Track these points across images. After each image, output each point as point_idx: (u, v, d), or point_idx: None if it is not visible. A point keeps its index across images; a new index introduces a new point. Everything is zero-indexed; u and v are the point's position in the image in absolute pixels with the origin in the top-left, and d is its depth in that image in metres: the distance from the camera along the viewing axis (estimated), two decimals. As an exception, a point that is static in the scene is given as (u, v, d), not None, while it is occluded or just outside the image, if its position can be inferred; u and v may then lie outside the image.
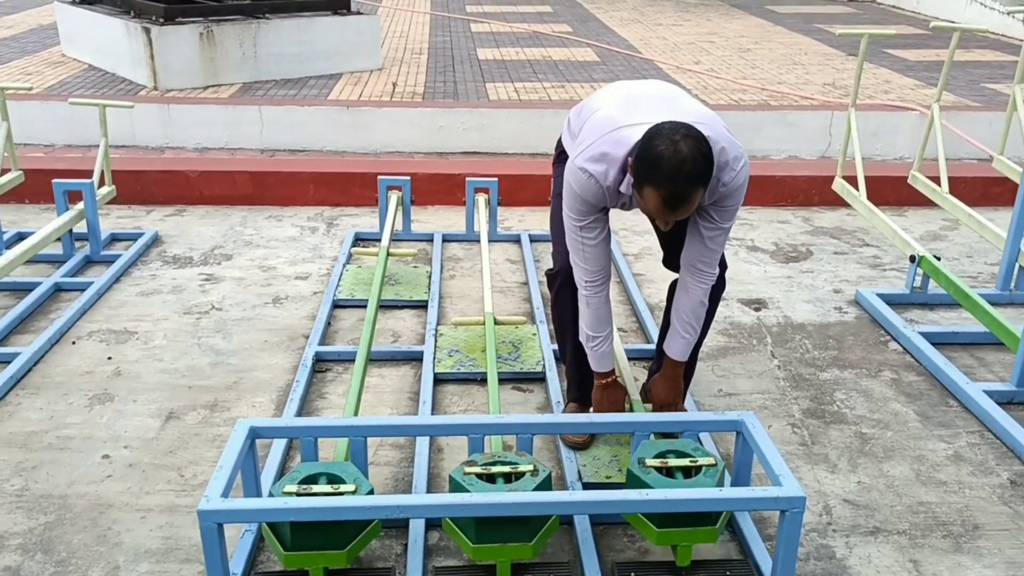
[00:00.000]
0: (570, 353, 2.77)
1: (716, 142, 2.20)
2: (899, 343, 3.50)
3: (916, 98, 6.42)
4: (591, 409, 2.73)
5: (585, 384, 2.76)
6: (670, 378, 2.64)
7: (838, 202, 4.74)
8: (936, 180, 4.27)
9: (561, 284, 2.64)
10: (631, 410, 2.72)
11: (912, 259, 3.77)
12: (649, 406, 2.73)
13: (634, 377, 2.97)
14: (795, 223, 4.87)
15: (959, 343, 3.50)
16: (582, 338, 2.58)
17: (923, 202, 4.63)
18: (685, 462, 2.23)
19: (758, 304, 3.84)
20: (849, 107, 4.44)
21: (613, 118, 2.30)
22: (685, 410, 2.76)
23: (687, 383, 2.81)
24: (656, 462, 2.21)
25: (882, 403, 3.08)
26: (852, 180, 4.42)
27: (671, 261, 2.69)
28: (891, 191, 4.99)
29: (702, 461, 2.23)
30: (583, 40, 8.91)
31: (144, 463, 2.66)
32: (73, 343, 3.37)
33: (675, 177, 2.06)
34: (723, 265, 2.60)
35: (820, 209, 5.07)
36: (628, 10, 11.22)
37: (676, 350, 2.58)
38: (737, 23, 10.30)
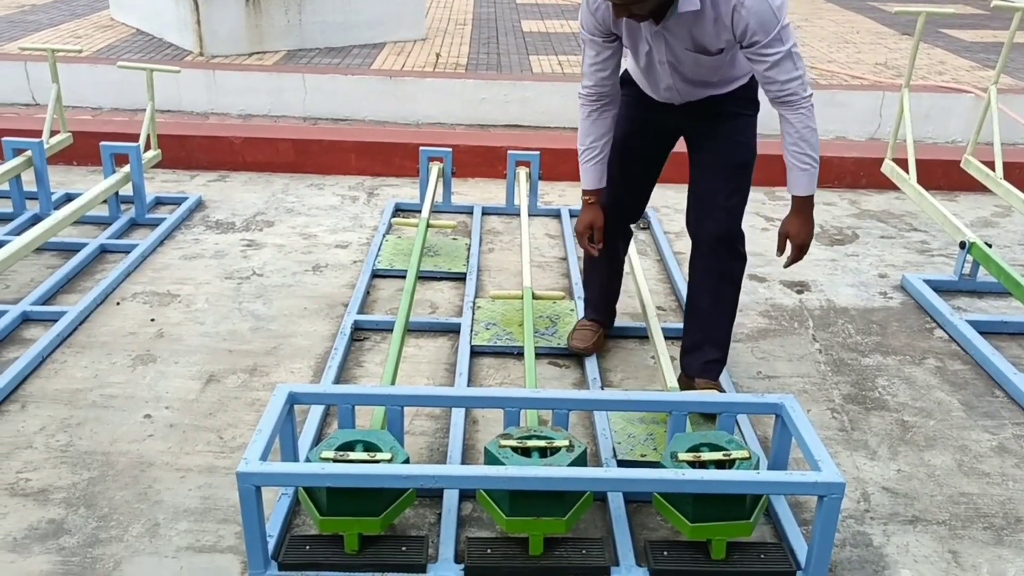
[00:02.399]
0: (596, 286, 3.11)
1: None
2: (945, 331, 3.43)
3: (971, 80, 6.24)
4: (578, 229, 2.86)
5: (610, 310, 3.17)
6: (801, 214, 2.58)
7: (886, 185, 4.64)
8: (990, 165, 4.16)
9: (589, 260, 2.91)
10: (598, 242, 2.84)
11: (962, 245, 3.68)
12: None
13: (671, 357, 2.94)
14: (841, 205, 4.77)
15: (1008, 332, 3.42)
16: (579, 148, 2.75)
17: (975, 187, 4.52)
18: (719, 455, 2.19)
19: (801, 287, 3.78)
20: (903, 87, 4.32)
21: None
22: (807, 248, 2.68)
23: (714, 367, 2.83)
24: (689, 456, 2.18)
25: (925, 391, 3.03)
26: (902, 163, 4.32)
27: (689, 215, 2.78)
28: (942, 175, 4.87)
29: (736, 454, 2.18)
30: (629, 14, 8.78)
31: (184, 424, 2.70)
32: (117, 304, 3.42)
33: None
34: (740, 239, 2.67)
35: (868, 192, 4.96)
36: (676, -16, 11.01)
37: (801, 186, 2.52)
38: (787, -1, 10.08)
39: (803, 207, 2.58)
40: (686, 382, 2.85)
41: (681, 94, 2.64)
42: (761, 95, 2.60)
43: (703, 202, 2.71)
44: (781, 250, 2.67)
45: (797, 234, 2.62)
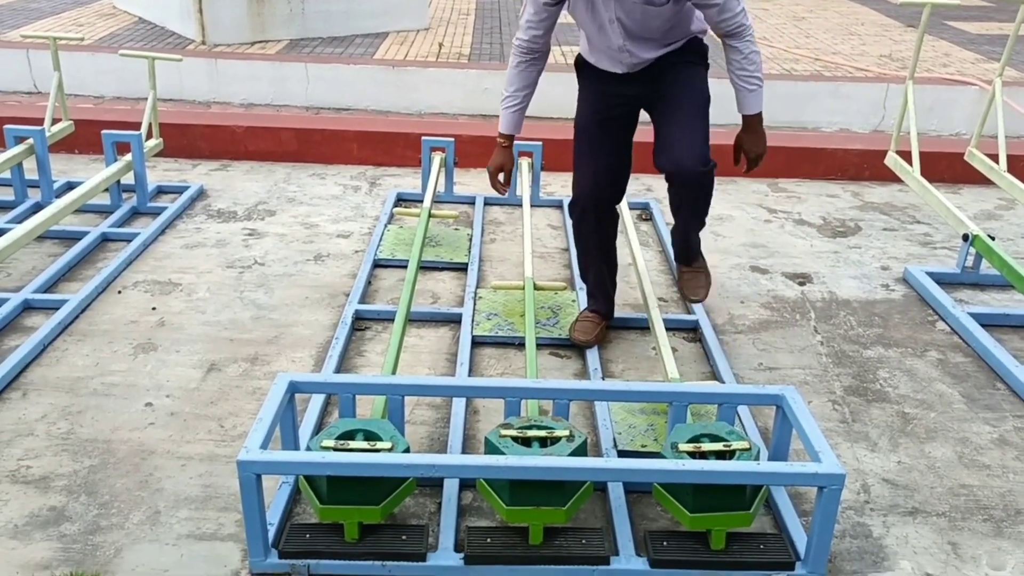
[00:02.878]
0: (593, 275, 3.15)
1: None
2: (947, 323, 3.43)
3: (976, 72, 6.22)
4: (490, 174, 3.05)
5: (609, 300, 3.19)
6: (753, 130, 2.86)
7: (889, 177, 4.62)
8: (994, 158, 4.14)
9: (582, 211, 2.98)
10: (506, 183, 3.05)
11: (965, 237, 3.67)
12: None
13: (672, 348, 2.94)
14: (844, 197, 4.76)
15: (1010, 325, 3.41)
16: (503, 94, 2.91)
17: (979, 180, 4.50)
18: (719, 446, 2.19)
19: (803, 278, 3.78)
20: (907, 79, 4.31)
21: None
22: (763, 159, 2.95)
23: (691, 253, 3.11)
24: (689, 447, 2.18)
25: (927, 383, 3.02)
26: (906, 155, 4.30)
27: (659, 152, 2.84)
28: (946, 167, 4.85)
29: (736, 445, 2.18)
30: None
31: (185, 412, 2.71)
32: (119, 292, 3.42)
33: None
34: (712, 162, 2.81)
35: (871, 184, 4.95)
36: (680, -25, 10.97)
37: (751, 105, 2.80)
38: (792, -10, 10.04)
39: (754, 123, 2.86)
40: (681, 271, 3.17)
41: (632, 54, 2.75)
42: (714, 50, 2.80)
43: (680, 142, 2.79)
44: (737, 161, 2.96)
45: (752, 148, 2.90)
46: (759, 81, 2.77)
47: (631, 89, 2.85)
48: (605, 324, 3.19)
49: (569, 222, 4.13)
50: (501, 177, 3.05)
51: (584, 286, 3.27)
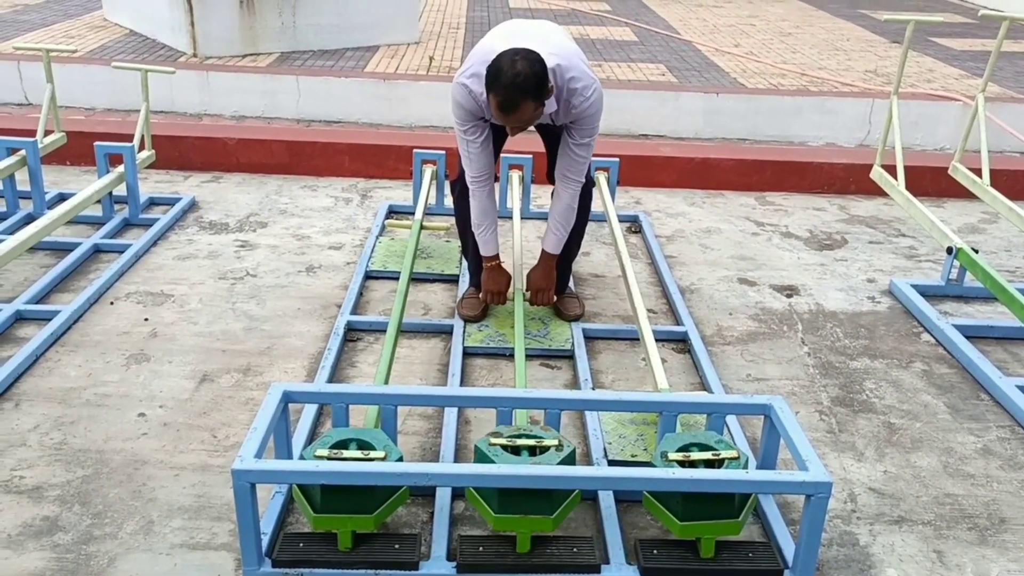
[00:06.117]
0: (472, 247, 3.32)
1: (567, 70, 2.84)
2: (932, 335, 3.47)
3: (960, 88, 6.31)
4: (481, 290, 3.32)
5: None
6: (545, 267, 3.25)
7: (875, 191, 4.69)
8: (977, 172, 4.21)
9: (461, 190, 3.24)
10: (509, 290, 3.30)
11: (949, 251, 3.72)
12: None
13: (662, 359, 2.97)
14: (831, 211, 4.82)
15: (994, 337, 3.46)
16: (473, 227, 3.19)
17: (962, 194, 4.57)
18: (708, 455, 2.22)
19: (790, 290, 3.82)
20: (891, 95, 4.38)
21: (493, 47, 2.82)
22: (553, 300, 3.33)
23: (563, 284, 3.44)
24: (679, 456, 2.21)
25: (912, 394, 3.07)
26: (891, 169, 4.36)
27: (552, 173, 3.23)
28: (930, 181, 4.92)
29: (725, 454, 2.21)
30: (621, 19, 8.84)
31: (178, 423, 2.72)
32: (111, 303, 3.43)
33: (508, 87, 2.65)
34: (590, 181, 3.30)
35: (857, 197, 5.01)
36: (668, -10, 11.09)
37: (550, 244, 3.21)
38: (779, 6, 10.15)
39: (548, 261, 3.24)
40: (556, 297, 3.40)
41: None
42: None
43: (573, 164, 3.08)
44: (528, 294, 3.29)
45: (536, 280, 3.26)
46: (566, 230, 3.18)
47: None
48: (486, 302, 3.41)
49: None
50: (502, 295, 3.29)
51: (468, 266, 3.51)
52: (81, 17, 7.87)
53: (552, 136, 3.21)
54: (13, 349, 3.04)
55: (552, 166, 3.23)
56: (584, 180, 3.14)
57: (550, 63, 2.76)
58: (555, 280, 3.29)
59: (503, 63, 2.67)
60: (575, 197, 3.13)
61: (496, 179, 3.31)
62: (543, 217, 4.48)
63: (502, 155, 4.35)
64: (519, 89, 2.65)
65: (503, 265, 3.29)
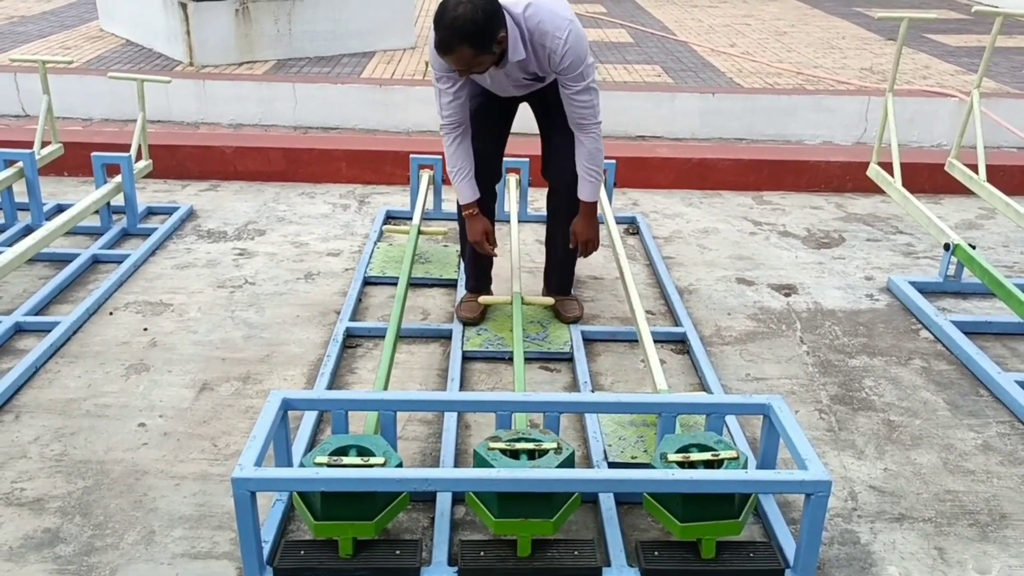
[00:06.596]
0: (469, 251, 3.33)
1: (535, 16, 2.81)
2: (930, 331, 3.48)
3: (955, 84, 6.31)
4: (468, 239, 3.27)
5: (482, 279, 3.43)
6: (587, 216, 3.18)
7: (872, 188, 4.69)
8: (974, 168, 4.22)
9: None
10: (493, 244, 3.25)
11: (946, 247, 3.72)
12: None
13: (661, 360, 2.97)
14: (828, 209, 4.83)
15: (992, 333, 3.46)
16: (448, 173, 3.16)
17: (959, 190, 4.57)
18: (708, 456, 2.22)
19: (788, 289, 3.83)
20: (887, 92, 4.38)
21: None
22: (597, 247, 3.27)
23: (566, 286, 3.48)
24: (679, 457, 2.21)
25: (911, 391, 3.07)
26: (887, 166, 4.37)
27: (546, 165, 3.29)
28: (927, 178, 4.93)
29: (724, 454, 2.22)
30: (616, 21, 8.85)
31: (178, 432, 2.72)
32: (110, 314, 3.44)
33: (446, 28, 2.66)
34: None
35: (854, 195, 5.02)
36: (663, -9, 11.10)
37: (586, 192, 3.12)
38: (774, 5, 10.16)
39: (587, 210, 3.17)
40: (555, 299, 3.42)
41: (519, 93, 3.14)
42: None
43: (561, 155, 3.14)
44: (574, 245, 3.24)
45: (582, 232, 3.19)
46: (597, 175, 3.09)
47: (516, 99, 3.21)
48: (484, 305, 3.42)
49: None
50: (487, 240, 3.22)
51: (465, 270, 3.50)
52: (77, 28, 7.88)
53: (544, 106, 3.18)
54: (13, 361, 3.04)
55: (546, 154, 3.25)
56: (599, 120, 3.02)
57: (518, 10, 2.76)
58: (598, 229, 3.23)
59: (449, 3, 2.66)
60: (597, 139, 3.03)
61: (498, 178, 3.34)
62: (541, 220, 4.48)
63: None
64: (455, 32, 2.65)
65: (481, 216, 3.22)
